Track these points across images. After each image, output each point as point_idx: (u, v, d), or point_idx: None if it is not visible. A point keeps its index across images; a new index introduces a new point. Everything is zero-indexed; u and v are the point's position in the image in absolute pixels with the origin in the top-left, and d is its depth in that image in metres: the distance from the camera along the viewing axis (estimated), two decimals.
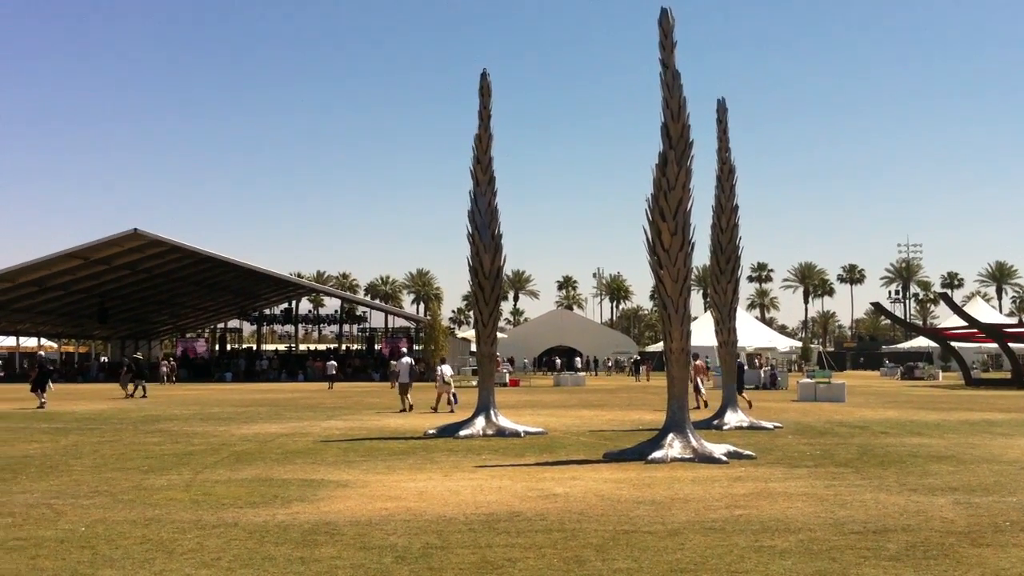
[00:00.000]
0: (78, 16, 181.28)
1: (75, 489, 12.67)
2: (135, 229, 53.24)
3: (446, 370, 28.87)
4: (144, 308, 72.36)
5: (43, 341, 76.38)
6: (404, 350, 40.04)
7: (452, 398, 28.73)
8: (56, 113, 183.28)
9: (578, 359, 79.50)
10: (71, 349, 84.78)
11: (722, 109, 24.08)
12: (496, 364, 26.68)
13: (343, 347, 76.97)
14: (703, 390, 30.12)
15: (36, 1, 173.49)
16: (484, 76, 21.71)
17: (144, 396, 37.47)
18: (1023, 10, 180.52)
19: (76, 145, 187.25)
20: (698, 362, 30.15)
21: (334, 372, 50.44)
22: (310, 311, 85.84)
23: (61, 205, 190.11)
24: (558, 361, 78.70)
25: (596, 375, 73.89)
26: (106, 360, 76.02)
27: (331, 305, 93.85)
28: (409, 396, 29.02)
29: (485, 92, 21.70)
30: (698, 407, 28.09)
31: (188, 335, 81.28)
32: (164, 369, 56.50)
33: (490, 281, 21.42)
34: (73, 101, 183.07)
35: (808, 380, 37.42)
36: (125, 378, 39.51)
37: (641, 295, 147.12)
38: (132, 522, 10.16)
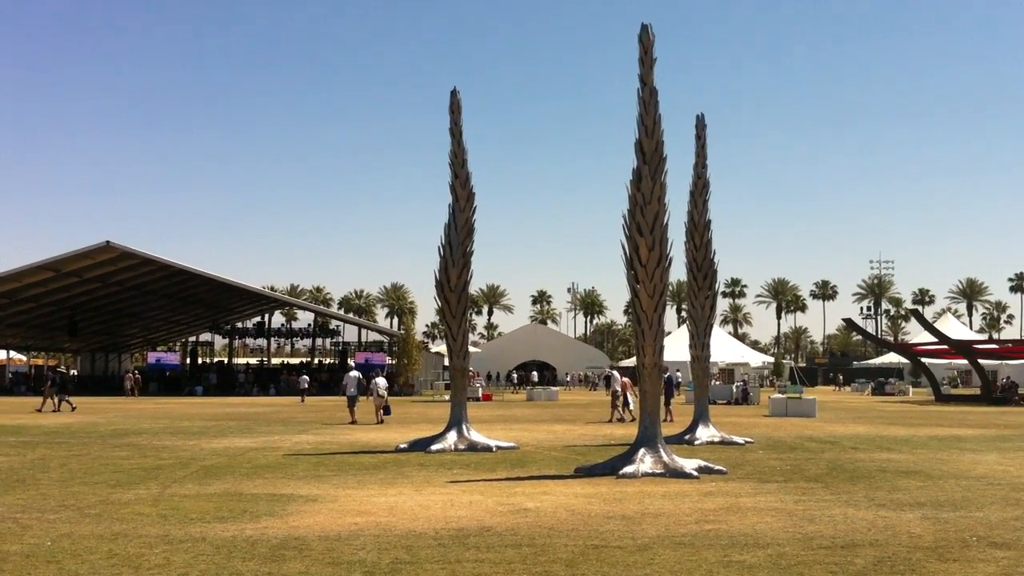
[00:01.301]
0: (49, 26, 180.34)
1: (41, 503, 12.54)
2: (107, 241, 52.77)
3: (380, 383, 30.31)
4: (115, 321, 71.78)
5: (12, 354, 75.63)
6: (352, 364, 40.88)
7: (384, 410, 30.02)
8: (28, 124, 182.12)
9: (534, 374, 78.41)
10: (40, 362, 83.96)
11: (701, 125, 24.08)
12: (469, 378, 27.42)
13: (316, 361, 76.68)
14: (632, 404, 31.22)
15: (3, 9, 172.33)
16: (454, 94, 21.74)
17: (73, 409, 36.50)
18: (994, 30, 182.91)
19: (48, 157, 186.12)
20: (625, 379, 32.34)
21: (306, 386, 50.38)
22: (283, 324, 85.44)
23: (33, 217, 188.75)
24: (515, 376, 77.13)
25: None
26: (75, 373, 75.42)
27: (304, 319, 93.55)
28: (356, 410, 30.17)
29: (455, 109, 21.70)
30: (623, 419, 30.44)
31: (159, 348, 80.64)
32: (128, 383, 56.37)
33: (455, 295, 21.42)
34: (45, 112, 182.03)
35: (779, 395, 37.60)
36: (49, 391, 38.64)
37: (615, 310, 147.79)
38: (99, 537, 10.06)
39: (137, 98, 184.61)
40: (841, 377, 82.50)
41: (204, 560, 8.91)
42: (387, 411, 30.19)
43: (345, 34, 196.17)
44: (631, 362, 79.75)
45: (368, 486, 14.43)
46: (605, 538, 10.04)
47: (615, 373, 33.12)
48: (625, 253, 16.73)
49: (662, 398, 23.29)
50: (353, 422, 29.43)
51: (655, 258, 16.46)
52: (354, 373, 31.67)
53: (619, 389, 31.51)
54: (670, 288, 19.80)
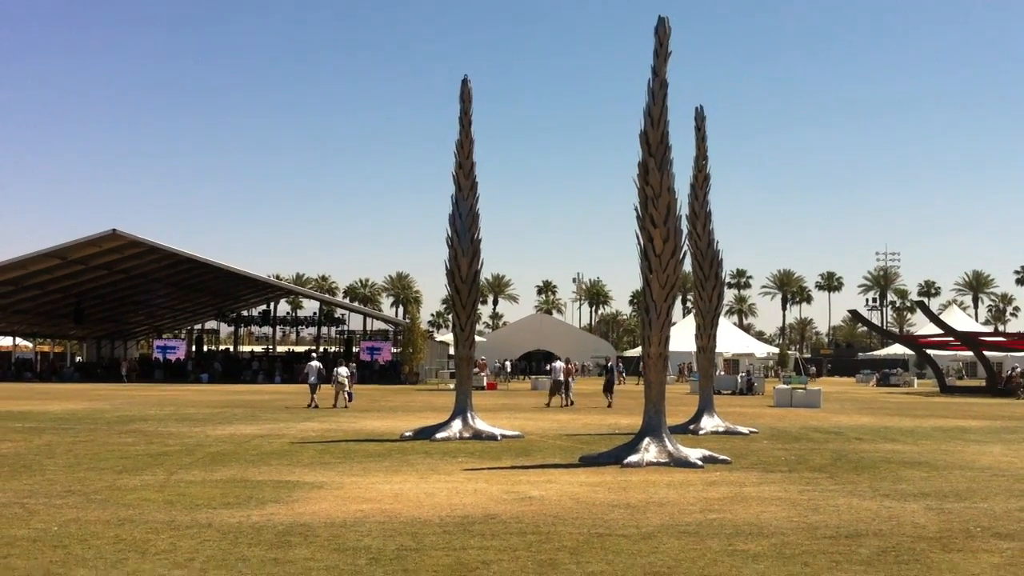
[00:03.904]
0: (56, 16, 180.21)
1: (48, 489, 12.60)
2: (114, 229, 52.87)
3: (342, 371, 32.44)
4: (120, 308, 71.90)
5: (18, 340, 75.80)
6: (313, 354, 42.79)
7: (347, 396, 32.03)
8: (36, 112, 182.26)
9: (507, 363, 75.37)
10: (47, 349, 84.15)
11: (700, 117, 24.12)
12: (482, 367, 28.19)
13: (321, 349, 76.77)
14: (572, 389, 34.67)
15: (10, 1, 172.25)
16: (465, 83, 21.75)
17: None
18: (998, 24, 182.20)
19: (56, 144, 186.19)
20: (568, 365, 35.34)
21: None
22: (288, 313, 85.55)
23: (40, 204, 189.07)
24: (497, 363, 73.42)
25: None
26: (81, 360, 75.67)
27: (309, 307, 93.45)
28: (316, 395, 32.16)
29: (466, 98, 21.72)
30: (564, 404, 33.35)
31: (164, 336, 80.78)
32: (124, 369, 58.35)
33: (467, 285, 21.46)
34: (53, 101, 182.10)
35: (784, 386, 37.61)
36: None
37: (620, 300, 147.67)
38: (105, 522, 10.11)
39: (143, 86, 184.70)
40: (813, 368, 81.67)
41: (210, 546, 8.95)
42: (349, 397, 32.29)
43: (352, 22, 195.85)
44: (636, 352, 79.69)
45: (373, 473, 14.47)
46: (610, 526, 10.07)
47: (558, 364, 35.99)
48: (639, 244, 16.74)
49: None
50: (314, 406, 31.36)
51: (669, 249, 16.49)
52: (315, 363, 33.74)
53: (562, 379, 34.35)
54: None
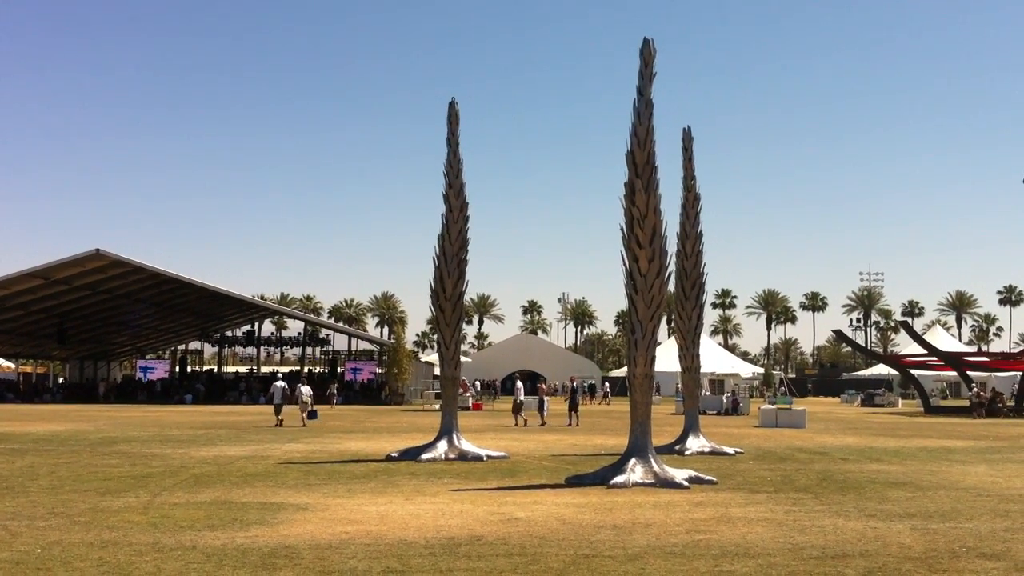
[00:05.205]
0: (38, 31, 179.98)
1: (31, 511, 12.50)
2: (97, 249, 52.68)
3: (304, 390, 34.68)
4: (104, 329, 71.54)
5: (1, 361, 75.27)
6: (279, 374, 43.87)
7: (309, 414, 33.94)
8: (17, 130, 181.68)
9: (477, 383, 73.92)
10: (29, 369, 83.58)
11: (687, 137, 24.33)
12: (464, 388, 28.76)
13: (306, 369, 76.50)
14: (547, 409, 36.29)
15: None
16: (452, 104, 21.90)
17: None
18: (981, 43, 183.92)
19: (38, 163, 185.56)
20: (541, 385, 38.62)
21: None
22: (273, 333, 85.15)
23: (22, 224, 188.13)
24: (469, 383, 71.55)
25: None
26: (65, 381, 75.23)
27: (294, 327, 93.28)
28: (281, 414, 33.21)
29: (453, 120, 21.85)
30: (542, 424, 34.62)
31: (148, 356, 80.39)
32: (102, 389, 59.82)
33: (451, 304, 21.47)
34: (35, 119, 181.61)
35: (769, 406, 37.68)
36: None
37: (605, 320, 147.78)
38: (89, 544, 10.04)
39: (127, 104, 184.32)
40: (784, 389, 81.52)
41: (195, 568, 8.89)
42: (312, 415, 34.22)
43: (337, 41, 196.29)
44: (622, 372, 79.72)
45: (359, 495, 14.42)
46: (596, 547, 10.06)
47: (519, 383, 40.34)
48: (624, 264, 16.79)
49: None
50: (279, 424, 32.44)
51: (655, 269, 16.55)
52: (280, 383, 34.75)
53: (523, 399, 37.01)
54: None
